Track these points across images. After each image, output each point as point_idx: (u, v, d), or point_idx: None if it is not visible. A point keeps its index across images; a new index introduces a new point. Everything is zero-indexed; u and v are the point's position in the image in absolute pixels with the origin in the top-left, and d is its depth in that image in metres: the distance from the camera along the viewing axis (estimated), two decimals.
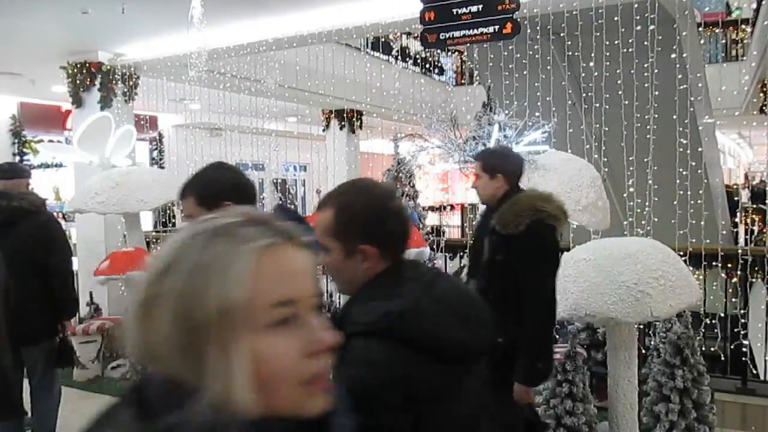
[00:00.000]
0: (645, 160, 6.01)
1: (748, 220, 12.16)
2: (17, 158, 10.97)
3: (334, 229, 1.55)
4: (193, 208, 2.03)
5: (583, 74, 6.36)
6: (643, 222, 5.84)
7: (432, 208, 17.25)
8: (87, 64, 8.01)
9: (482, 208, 5.67)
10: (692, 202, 6.11)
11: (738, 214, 11.42)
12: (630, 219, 6.02)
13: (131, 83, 8.34)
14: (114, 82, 8.17)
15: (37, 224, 3.80)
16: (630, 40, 5.91)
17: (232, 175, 2.15)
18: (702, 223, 5.78)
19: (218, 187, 2.05)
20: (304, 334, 0.82)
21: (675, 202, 6.02)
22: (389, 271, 1.56)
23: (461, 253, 6.53)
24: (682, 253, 4.48)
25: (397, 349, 1.39)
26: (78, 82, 8.06)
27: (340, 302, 5.50)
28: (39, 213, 3.85)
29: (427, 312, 1.45)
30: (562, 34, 6.55)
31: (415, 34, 11.01)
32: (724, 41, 13.15)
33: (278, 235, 0.83)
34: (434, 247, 6.27)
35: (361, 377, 1.36)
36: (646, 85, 5.99)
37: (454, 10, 5.33)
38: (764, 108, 11.68)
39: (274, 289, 0.80)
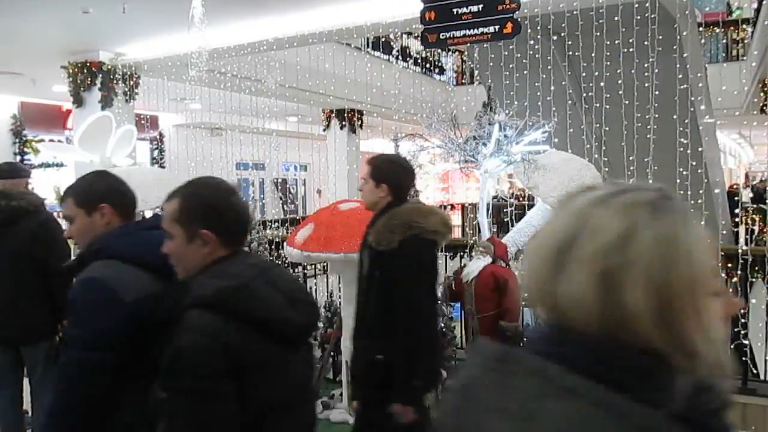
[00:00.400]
0: (645, 159, 6.01)
1: (749, 220, 12.16)
2: (18, 158, 10.99)
3: (179, 216, 1.73)
4: (72, 209, 2.12)
5: (584, 74, 6.37)
6: None
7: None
8: (88, 64, 8.03)
9: (482, 207, 5.70)
10: (692, 201, 6.10)
11: (738, 213, 11.41)
12: None
13: (132, 83, 8.35)
14: (115, 81, 8.19)
15: (37, 224, 3.80)
16: (630, 40, 5.91)
17: (113, 180, 2.22)
18: (702, 222, 5.76)
19: (98, 191, 2.14)
20: (721, 301, 0.89)
21: None
22: (228, 257, 1.74)
23: (461, 253, 6.53)
24: None
25: (228, 320, 1.58)
26: (79, 81, 8.08)
27: (340, 301, 5.50)
28: (38, 212, 3.86)
29: (260, 291, 1.65)
30: (562, 34, 6.55)
31: (416, 34, 11.02)
32: (724, 41, 13.15)
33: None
34: None
35: (193, 342, 1.53)
36: (646, 84, 6.00)
37: (455, 10, 5.34)
38: (765, 108, 11.68)
39: (710, 261, 0.87)
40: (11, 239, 3.71)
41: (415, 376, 2.74)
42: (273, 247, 7.50)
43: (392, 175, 3.04)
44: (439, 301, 3.30)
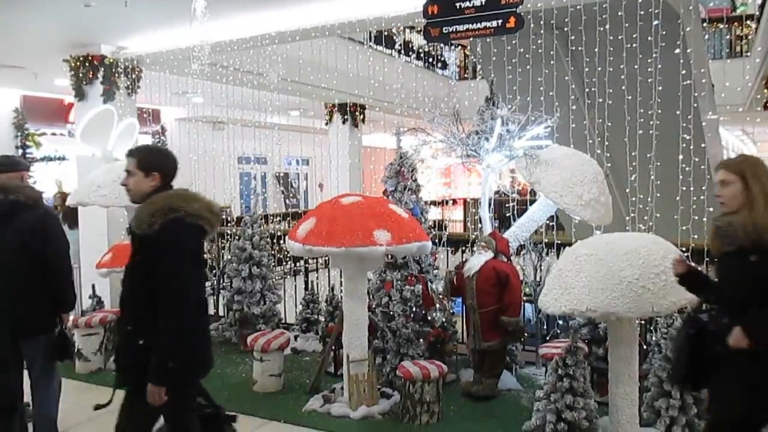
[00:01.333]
0: (648, 155, 5.99)
1: None
2: (20, 151, 10.99)
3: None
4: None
5: (587, 69, 6.34)
6: (645, 218, 5.83)
7: (434, 203, 17.25)
8: (90, 57, 8.01)
9: (484, 202, 5.69)
10: (695, 198, 6.08)
11: None
12: (632, 214, 6.01)
13: (134, 76, 8.34)
14: (117, 75, 8.17)
15: (35, 218, 3.81)
16: (634, 35, 5.88)
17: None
18: (704, 219, 5.76)
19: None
20: None
21: (678, 198, 6.00)
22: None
23: (463, 248, 6.53)
24: (684, 249, 4.47)
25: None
26: (81, 75, 8.07)
27: (341, 295, 5.51)
28: (36, 207, 3.86)
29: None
30: (565, 29, 6.53)
31: (419, 28, 11.00)
32: (728, 37, 13.11)
33: None
34: (436, 241, 6.27)
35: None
36: (649, 80, 5.97)
37: (458, 4, 5.32)
38: None
39: None
40: (9, 233, 3.72)
41: (172, 359, 2.74)
42: (275, 241, 7.51)
43: (161, 162, 3.07)
44: (207, 286, 3.47)
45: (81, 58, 8.03)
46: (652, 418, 4.28)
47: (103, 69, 8.06)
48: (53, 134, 11.69)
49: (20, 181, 3.98)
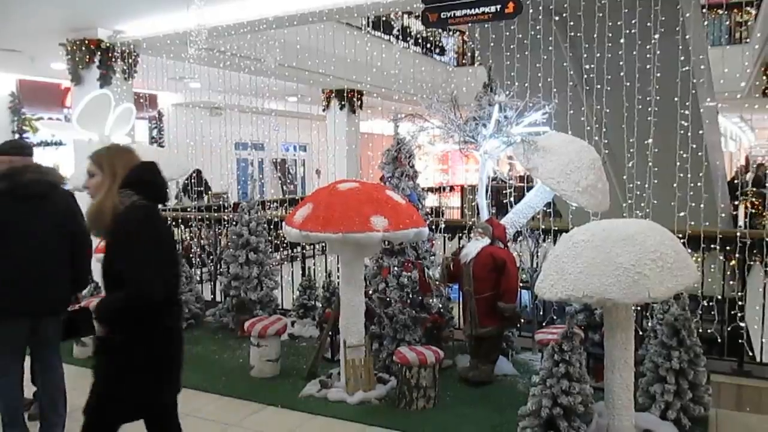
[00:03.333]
0: (645, 142, 5.99)
1: (748, 204, 12.17)
2: (17, 136, 10.95)
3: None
4: None
5: (585, 55, 6.32)
6: (642, 204, 5.84)
7: (432, 189, 17.24)
8: (86, 41, 7.97)
9: (481, 189, 5.69)
10: (692, 184, 6.09)
11: (738, 197, 11.43)
12: (629, 201, 6.02)
13: (131, 61, 8.30)
14: (113, 59, 8.14)
15: (65, 198, 3.92)
16: (633, 21, 5.86)
17: None
18: (701, 205, 5.77)
19: None
20: None
21: (675, 185, 6.01)
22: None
23: (460, 234, 6.54)
24: (680, 236, 4.48)
25: None
26: (77, 59, 8.03)
27: (338, 281, 5.52)
28: (63, 186, 3.95)
29: None
30: (564, 15, 6.50)
31: (417, 13, 10.93)
32: (728, 23, 13.06)
33: None
34: (433, 227, 6.28)
35: None
36: (648, 66, 5.96)
37: None
38: (767, 91, 11.61)
39: None
40: (49, 212, 3.79)
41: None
42: (272, 226, 7.51)
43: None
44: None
45: (77, 42, 7.99)
46: (648, 402, 4.31)
47: (99, 53, 8.02)
48: (50, 119, 11.65)
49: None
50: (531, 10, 6.18)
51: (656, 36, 5.86)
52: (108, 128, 7.08)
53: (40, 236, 3.76)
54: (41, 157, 10.88)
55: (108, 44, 8.05)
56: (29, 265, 3.72)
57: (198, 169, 15.32)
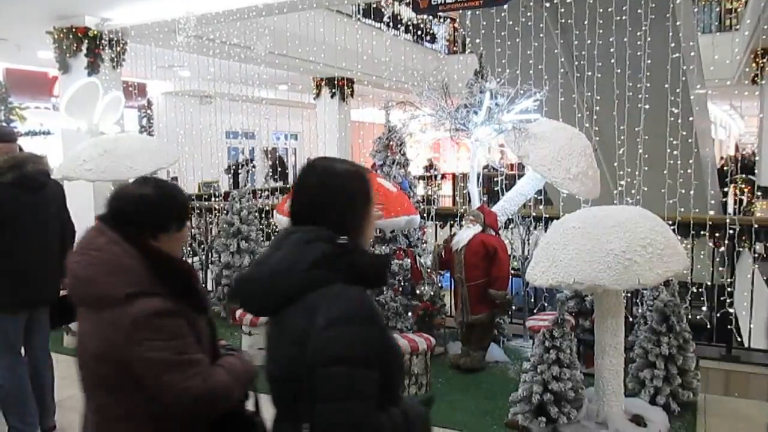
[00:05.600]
0: (636, 129, 6.00)
1: (737, 191, 12.23)
2: (4, 125, 10.85)
3: None
4: None
5: (576, 42, 6.31)
6: (633, 191, 5.85)
7: (422, 177, 17.23)
8: (73, 29, 7.88)
9: (472, 176, 5.68)
10: (682, 171, 6.11)
11: (728, 184, 11.49)
12: (620, 188, 6.03)
13: (119, 49, 8.22)
14: (101, 47, 8.05)
15: (58, 187, 3.90)
16: (623, 8, 5.85)
17: None
18: (691, 192, 5.80)
19: None
20: None
21: (665, 172, 6.03)
22: None
23: (451, 222, 6.55)
24: (670, 222, 4.50)
25: None
26: (64, 47, 7.94)
27: None
28: (51, 177, 3.94)
29: None
30: (555, 1, 6.48)
31: (407, 0, 10.87)
32: (718, 10, 13.08)
33: None
34: (425, 215, 6.28)
35: None
36: (638, 53, 5.96)
37: None
38: (756, 78, 11.65)
39: None
40: (49, 203, 3.80)
41: None
42: (263, 215, 7.49)
43: None
44: None
45: (65, 30, 7.90)
46: (637, 388, 4.34)
47: (87, 41, 7.93)
48: (37, 108, 11.54)
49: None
50: None
51: (646, 23, 5.85)
52: (96, 117, 7.03)
53: (43, 227, 3.77)
54: (29, 146, 10.79)
55: (95, 32, 7.96)
56: (38, 255, 3.73)
57: (280, 155, 18.29)
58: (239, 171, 8.55)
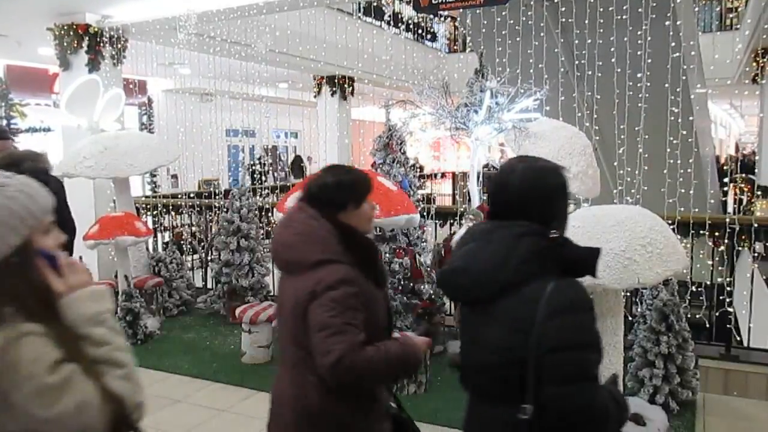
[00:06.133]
0: (636, 128, 6.00)
1: (737, 190, 12.24)
2: (5, 122, 10.84)
3: None
4: None
5: (576, 41, 6.31)
6: (632, 190, 5.86)
7: (422, 176, 17.24)
8: (74, 26, 7.87)
9: (472, 175, 5.69)
10: (682, 171, 6.12)
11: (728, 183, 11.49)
12: (620, 187, 6.04)
13: (119, 46, 8.21)
14: (102, 44, 8.05)
15: (58, 185, 3.87)
16: (624, 7, 5.85)
17: None
18: (691, 191, 5.80)
19: None
20: None
21: (665, 171, 6.04)
22: None
23: (452, 221, 6.55)
24: (670, 222, 4.50)
25: None
26: (65, 44, 7.94)
27: None
28: (51, 174, 3.91)
29: None
30: (555, 1, 6.48)
31: None
32: (718, 9, 13.07)
33: None
34: (425, 214, 6.28)
35: None
36: (639, 53, 5.96)
37: None
38: (756, 78, 11.65)
39: None
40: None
41: None
42: (263, 213, 7.49)
43: None
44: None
45: (65, 27, 7.90)
46: (636, 387, 4.35)
47: (87, 38, 7.92)
48: (37, 104, 11.54)
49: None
50: None
51: (647, 22, 5.86)
52: (97, 114, 7.03)
53: None
54: (29, 143, 10.80)
55: (96, 29, 7.96)
56: None
57: (298, 155, 18.71)
58: (256, 168, 8.56)
